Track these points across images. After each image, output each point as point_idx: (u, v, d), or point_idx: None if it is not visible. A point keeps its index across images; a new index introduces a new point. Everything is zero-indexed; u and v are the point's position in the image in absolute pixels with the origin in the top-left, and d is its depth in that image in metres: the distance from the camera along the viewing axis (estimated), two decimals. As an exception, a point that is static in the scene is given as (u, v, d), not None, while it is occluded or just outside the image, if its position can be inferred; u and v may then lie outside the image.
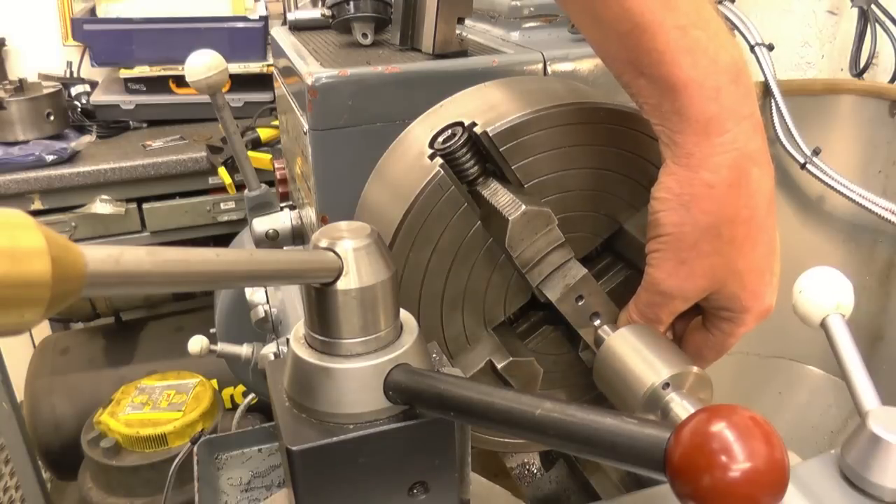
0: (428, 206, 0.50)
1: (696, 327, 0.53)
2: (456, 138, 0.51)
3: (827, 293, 0.53)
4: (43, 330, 2.34)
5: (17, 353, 2.09)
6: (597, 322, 0.53)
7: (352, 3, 0.77)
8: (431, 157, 0.51)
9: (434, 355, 0.46)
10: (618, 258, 0.57)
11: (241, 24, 2.06)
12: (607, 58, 0.48)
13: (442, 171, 0.50)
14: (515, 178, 0.51)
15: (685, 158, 0.45)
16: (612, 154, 0.53)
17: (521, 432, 0.36)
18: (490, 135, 0.50)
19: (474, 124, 0.51)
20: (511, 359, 0.53)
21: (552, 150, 0.52)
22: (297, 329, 0.43)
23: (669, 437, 0.29)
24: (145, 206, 1.89)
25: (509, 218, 0.48)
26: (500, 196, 0.50)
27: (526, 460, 0.80)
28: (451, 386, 0.38)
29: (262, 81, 2.05)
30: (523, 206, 0.48)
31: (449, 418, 0.40)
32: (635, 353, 0.49)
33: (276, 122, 1.90)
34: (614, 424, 0.32)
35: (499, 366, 0.53)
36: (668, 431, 0.29)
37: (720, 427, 0.27)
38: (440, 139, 0.52)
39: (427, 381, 0.39)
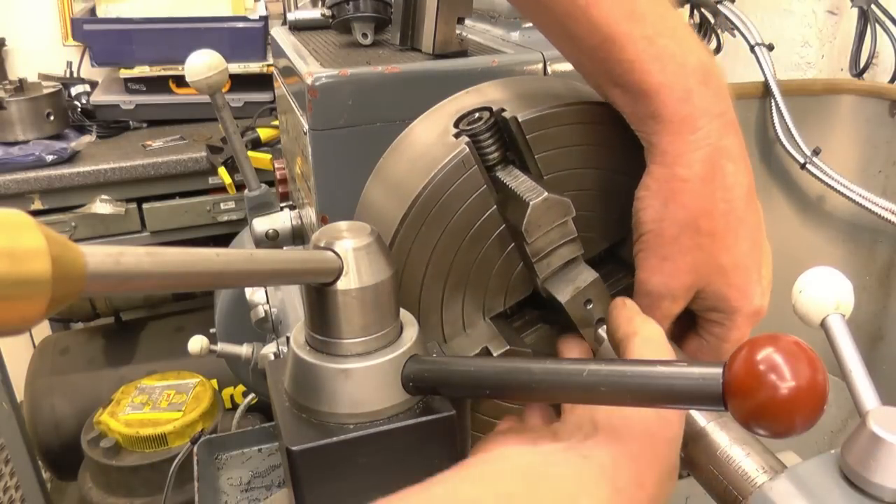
0: (448, 182, 0.49)
1: (691, 336, 0.53)
2: (482, 121, 0.51)
3: (827, 293, 0.53)
4: (43, 330, 2.34)
5: (17, 353, 2.09)
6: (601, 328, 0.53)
7: (352, 3, 0.77)
8: (456, 136, 0.51)
9: (434, 355, 0.46)
10: (621, 266, 0.57)
11: (241, 24, 2.06)
12: (583, 71, 0.50)
13: (467, 150, 0.50)
14: (536, 169, 0.51)
15: (661, 156, 0.47)
16: (633, 159, 0.53)
17: (569, 395, 0.37)
18: (520, 121, 0.50)
19: (503, 110, 0.51)
20: (508, 347, 0.53)
21: (576, 146, 0.52)
22: (298, 329, 0.43)
23: (723, 370, 0.32)
24: (145, 206, 1.89)
25: (530, 202, 0.48)
26: (521, 182, 0.50)
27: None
28: (482, 365, 0.39)
29: (262, 81, 2.05)
30: (545, 193, 0.48)
31: (486, 396, 0.41)
32: (635, 353, 0.48)
33: (276, 122, 1.90)
34: (666, 369, 0.34)
35: (495, 353, 0.53)
36: (720, 366, 0.32)
37: (769, 352, 0.30)
38: (465, 121, 0.52)
39: (453, 365, 0.40)
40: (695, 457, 0.43)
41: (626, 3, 0.45)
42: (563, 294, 0.52)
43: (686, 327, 0.53)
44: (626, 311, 0.47)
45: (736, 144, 0.47)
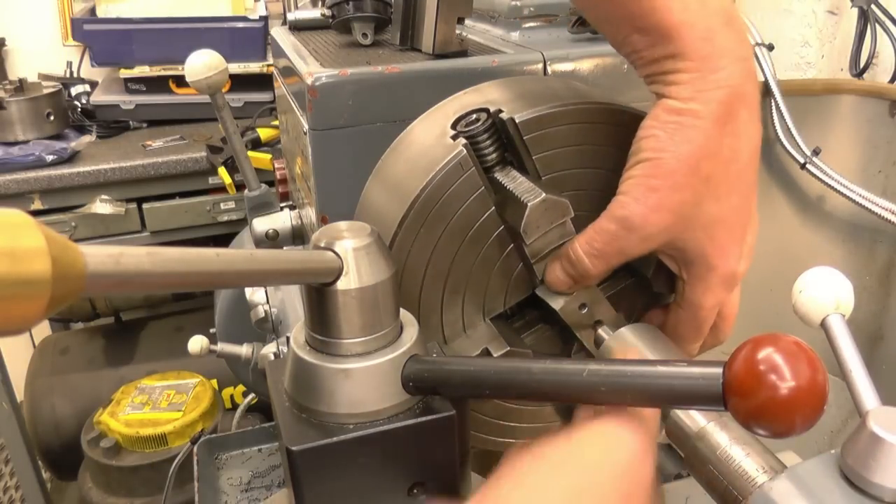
0: (447, 183, 0.50)
1: (670, 311, 0.53)
2: (480, 122, 0.51)
3: (827, 293, 0.53)
4: (43, 330, 2.34)
5: (17, 353, 2.09)
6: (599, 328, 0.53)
7: (352, 3, 0.77)
8: (454, 137, 0.51)
9: (434, 355, 0.46)
10: (618, 266, 0.57)
11: (241, 24, 2.06)
12: (604, 23, 0.49)
13: (465, 151, 0.50)
14: (534, 169, 0.51)
15: (676, 89, 0.45)
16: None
17: (570, 395, 0.37)
18: (517, 122, 0.50)
19: (500, 111, 0.51)
20: (508, 348, 0.53)
21: (574, 147, 0.52)
22: (298, 329, 0.43)
23: (723, 369, 0.32)
24: (145, 206, 1.89)
25: (528, 203, 0.48)
26: (519, 183, 0.50)
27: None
28: (482, 365, 0.39)
29: (262, 81, 2.05)
30: (543, 194, 0.48)
31: (486, 397, 0.41)
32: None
33: (276, 122, 1.90)
34: (666, 369, 0.34)
35: (496, 354, 0.53)
36: (720, 366, 0.32)
37: (769, 352, 0.31)
38: (463, 122, 0.52)
39: (453, 365, 0.40)
40: (695, 457, 0.43)
41: None
42: (556, 301, 0.52)
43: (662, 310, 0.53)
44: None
45: (754, 94, 0.46)
